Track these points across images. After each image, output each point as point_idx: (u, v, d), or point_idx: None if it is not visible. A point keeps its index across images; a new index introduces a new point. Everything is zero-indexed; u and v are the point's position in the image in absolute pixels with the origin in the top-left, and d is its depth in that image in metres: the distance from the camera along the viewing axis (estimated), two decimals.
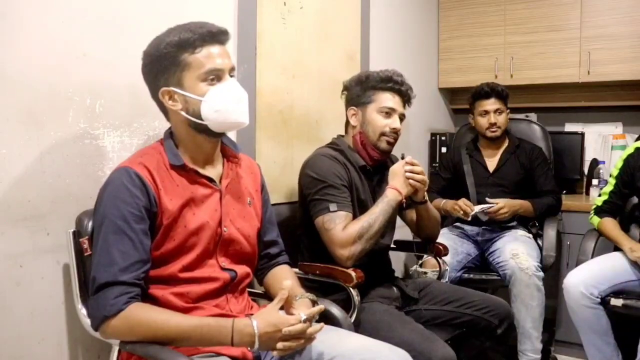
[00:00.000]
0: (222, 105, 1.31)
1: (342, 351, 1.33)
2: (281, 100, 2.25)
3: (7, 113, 1.36)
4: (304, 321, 1.24)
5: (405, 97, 1.92)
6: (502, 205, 2.50)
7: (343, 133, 2.02)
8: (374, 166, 1.94)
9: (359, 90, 1.92)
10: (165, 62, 1.30)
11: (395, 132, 1.88)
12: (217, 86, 1.32)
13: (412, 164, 1.80)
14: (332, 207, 1.75)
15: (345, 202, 1.78)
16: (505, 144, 2.78)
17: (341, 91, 2.00)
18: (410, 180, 1.78)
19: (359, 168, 1.89)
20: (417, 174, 1.79)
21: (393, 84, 1.88)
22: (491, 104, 2.70)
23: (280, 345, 1.22)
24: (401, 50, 3.12)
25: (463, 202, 2.53)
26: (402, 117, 1.91)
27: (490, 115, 2.70)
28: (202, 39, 1.31)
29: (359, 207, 1.84)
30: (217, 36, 1.33)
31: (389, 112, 1.87)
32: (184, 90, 1.31)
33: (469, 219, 2.50)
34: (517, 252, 2.41)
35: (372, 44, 2.78)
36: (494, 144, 2.77)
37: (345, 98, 1.99)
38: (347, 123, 1.98)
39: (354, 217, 1.78)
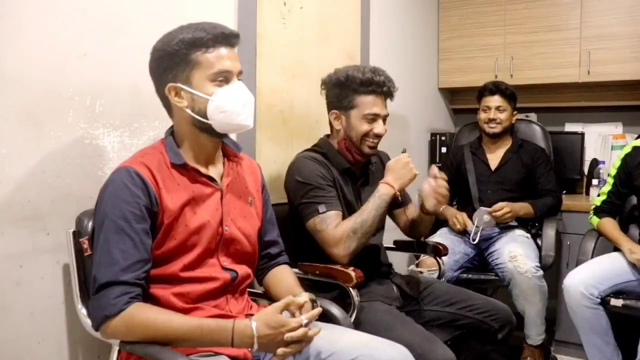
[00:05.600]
0: (228, 107, 1.31)
1: (341, 347, 1.33)
2: (281, 100, 2.25)
3: (7, 113, 1.36)
4: (305, 324, 1.24)
5: (388, 95, 1.86)
6: (508, 210, 2.51)
7: (324, 135, 1.99)
8: (359, 167, 1.93)
9: (339, 93, 1.84)
10: (175, 59, 1.30)
11: (379, 137, 1.86)
12: (225, 87, 1.32)
13: (436, 177, 1.77)
14: (321, 208, 1.74)
15: (333, 201, 1.77)
16: (509, 144, 2.80)
17: (320, 86, 1.93)
18: (436, 196, 1.77)
19: (343, 170, 1.88)
20: (441, 187, 1.77)
21: (375, 86, 1.81)
22: (493, 101, 2.73)
23: (280, 351, 1.21)
24: (401, 50, 3.12)
25: (462, 217, 2.61)
26: (385, 118, 1.86)
27: (491, 111, 2.72)
28: (215, 40, 1.31)
29: (346, 208, 1.83)
30: (229, 38, 1.34)
31: (373, 118, 1.83)
32: (191, 88, 1.31)
33: (468, 236, 2.56)
34: (515, 254, 2.42)
35: (372, 44, 2.78)
36: (497, 142, 2.79)
37: (325, 97, 1.92)
38: (331, 125, 1.93)
39: (343, 216, 1.78)
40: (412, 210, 2.02)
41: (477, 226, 2.52)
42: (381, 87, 1.82)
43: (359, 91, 1.82)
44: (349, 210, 1.83)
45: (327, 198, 1.76)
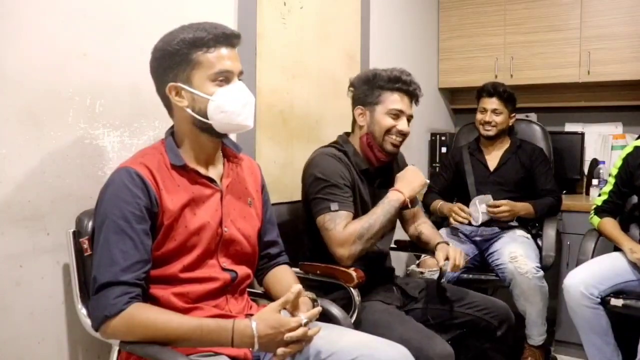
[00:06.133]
0: (228, 107, 1.31)
1: (341, 347, 1.33)
2: (281, 100, 2.26)
3: (7, 113, 1.36)
4: (304, 324, 1.24)
5: (414, 97, 1.89)
6: (506, 208, 2.51)
7: (344, 132, 2.00)
8: (377, 169, 1.93)
9: (366, 90, 1.87)
10: (176, 58, 1.30)
11: (403, 134, 1.86)
12: (226, 87, 1.32)
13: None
14: (334, 206, 1.74)
15: (347, 201, 1.77)
16: (507, 144, 2.79)
17: (348, 87, 1.96)
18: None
19: (361, 171, 1.89)
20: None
21: (402, 84, 1.84)
22: (490, 103, 2.71)
23: (280, 350, 1.21)
24: (401, 50, 3.12)
25: (459, 208, 2.56)
26: (409, 119, 1.88)
27: (487, 113, 2.71)
28: (216, 40, 1.31)
29: (362, 210, 1.84)
30: (230, 38, 1.34)
31: (397, 114, 1.84)
32: (192, 88, 1.31)
33: (466, 222, 2.55)
34: (515, 255, 2.41)
35: (372, 44, 2.78)
36: (495, 143, 2.78)
37: (351, 96, 1.95)
38: (354, 122, 1.95)
39: (356, 218, 1.78)
40: (427, 234, 2.01)
41: (476, 210, 2.50)
42: (408, 86, 1.85)
43: (386, 87, 1.85)
44: (364, 211, 1.83)
45: (341, 197, 1.76)
